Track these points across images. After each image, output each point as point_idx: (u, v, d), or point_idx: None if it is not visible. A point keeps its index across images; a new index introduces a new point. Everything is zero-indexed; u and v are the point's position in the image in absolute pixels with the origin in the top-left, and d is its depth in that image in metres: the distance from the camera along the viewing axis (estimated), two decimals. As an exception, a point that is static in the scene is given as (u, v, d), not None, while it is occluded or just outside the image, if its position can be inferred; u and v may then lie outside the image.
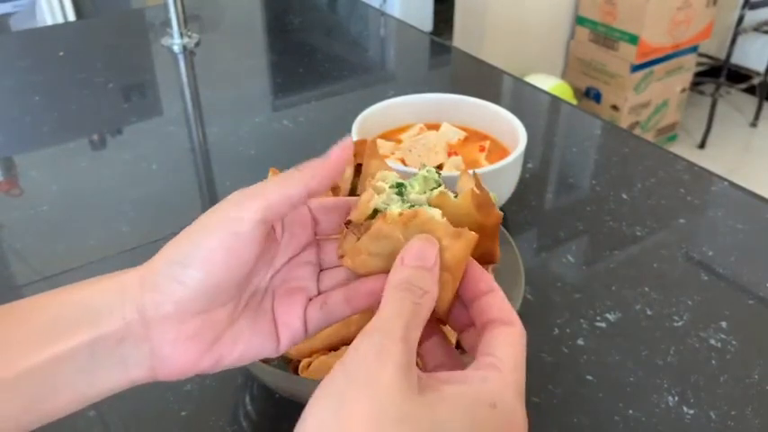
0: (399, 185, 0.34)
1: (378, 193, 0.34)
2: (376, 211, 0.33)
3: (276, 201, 0.31)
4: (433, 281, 0.31)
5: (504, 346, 0.31)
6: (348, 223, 0.34)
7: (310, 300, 0.35)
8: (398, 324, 0.28)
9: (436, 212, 0.32)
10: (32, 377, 0.29)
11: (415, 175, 0.35)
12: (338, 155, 0.33)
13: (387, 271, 0.31)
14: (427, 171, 0.34)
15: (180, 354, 0.31)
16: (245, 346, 0.33)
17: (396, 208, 0.32)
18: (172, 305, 0.30)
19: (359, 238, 0.33)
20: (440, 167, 0.71)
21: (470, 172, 0.35)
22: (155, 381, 0.32)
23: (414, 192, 0.34)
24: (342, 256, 0.34)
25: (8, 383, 0.29)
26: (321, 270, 0.36)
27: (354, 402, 0.25)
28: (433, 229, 0.31)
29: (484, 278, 0.33)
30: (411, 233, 0.32)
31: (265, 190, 0.31)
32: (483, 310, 0.32)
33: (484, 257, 0.35)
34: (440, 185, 0.34)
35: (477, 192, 0.33)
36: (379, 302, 0.31)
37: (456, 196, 0.33)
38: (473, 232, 0.32)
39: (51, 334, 0.30)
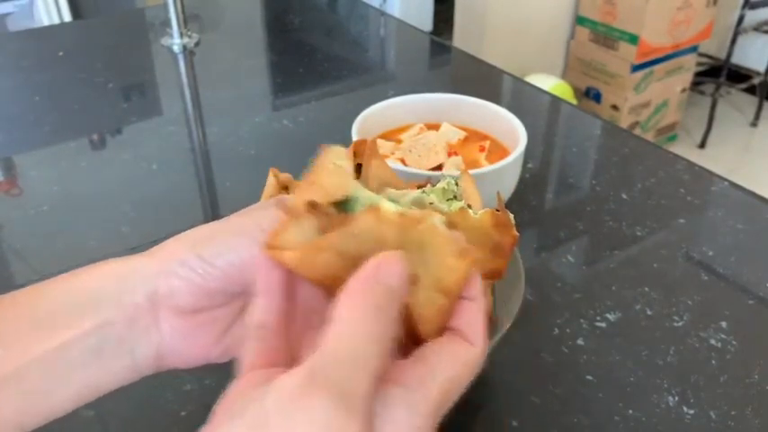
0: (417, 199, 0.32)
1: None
2: (345, 202, 0.29)
3: None
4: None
5: (448, 362, 0.27)
6: (313, 206, 0.28)
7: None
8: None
9: (438, 219, 0.27)
10: (35, 369, 0.28)
11: (434, 184, 0.33)
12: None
13: (344, 278, 0.25)
14: (447, 184, 0.33)
15: (190, 343, 0.31)
16: None
17: (390, 205, 0.28)
18: (189, 296, 0.30)
19: (322, 230, 0.28)
20: (439, 167, 0.71)
21: (497, 192, 0.35)
22: (161, 370, 0.31)
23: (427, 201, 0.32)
24: (275, 248, 0.28)
25: (7, 379, 0.28)
26: None
27: None
28: (437, 241, 0.27)
29: (472, 283, 0.28)
30: (405, 241, 0.26)
31: None
32: (451, 315, 0.28)
33: (491, 274, 0.33)
34: (456, 198, 0.33)
35: (499, 211, 0.32)
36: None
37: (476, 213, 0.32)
38: (479, 254, 0.29)
39: (55, 322, 0.29)
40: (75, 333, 0.29)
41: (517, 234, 0.34)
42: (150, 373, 0.31)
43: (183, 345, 0.31)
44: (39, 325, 0.29)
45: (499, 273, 0.34)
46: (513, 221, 0.34)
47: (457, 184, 0.34)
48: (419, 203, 0.32)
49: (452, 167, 0.70)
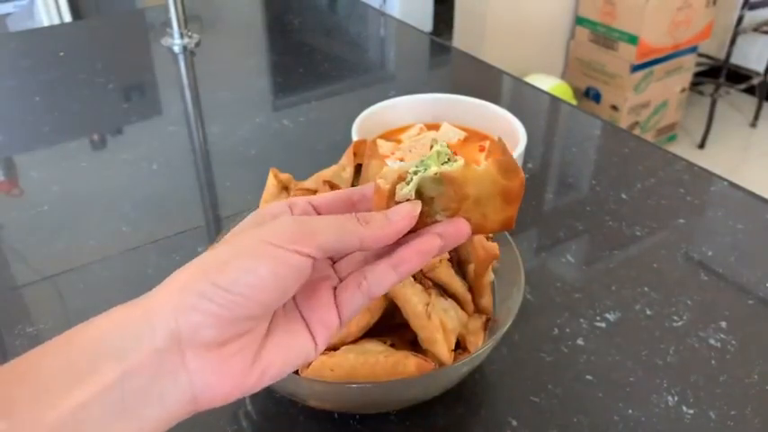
0: (416, 171, 0.33)
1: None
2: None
3: (330, 246, 0.31)
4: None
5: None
6: (401, 176, 0.33)
7: (335, 288, 0.34)
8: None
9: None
10: None
11: (426, 155, 0.34)
12: (403, 224, 0.32)
13: (429, 222, 0.33)
14: (440, 146, 0.34)
15: (223, 377, 0.29)
16: (285, 353, 0.31)
17: (433, 168, 0.33)
18: (213, 330, 0.28)
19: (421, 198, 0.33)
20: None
21: (496, 138, 0.35)
22: (198, 411, 0.30)
23: (431, 168, 0.33)
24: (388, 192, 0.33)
25: None
26: (333, 262, 0.35)
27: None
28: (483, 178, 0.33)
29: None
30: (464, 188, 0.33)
31: (322, 231, 0.31)
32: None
33: (505, 223, 0.35)
34: (450, 159, 0.34)
35: (501, 158, 0.33)
36: (425, 262, 0.32)
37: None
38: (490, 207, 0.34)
39: (69, 381, 0.26)
40: (92, 390, 0.26)
41: (524, 176, 0.34)
42: (185, 417, 0.29)
43: (216, 381, 0.29)
44: (46, 388, 0.26)
45: (511, 221, 0.35)
46: (518, 164, 0.34)
47: (448, 146, 0.35)
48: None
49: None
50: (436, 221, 0.34)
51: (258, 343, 0.31)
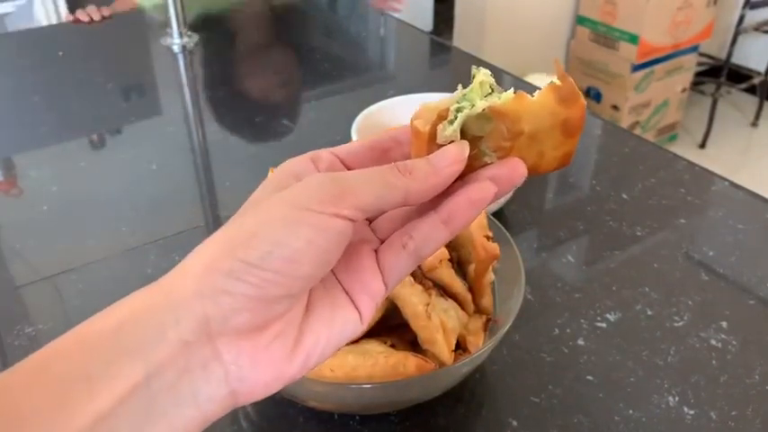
0: (459, 108, 0.29)
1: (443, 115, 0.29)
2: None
3: (372, 204, 0.27)
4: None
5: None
6: (441, 116, 0.29)
7: (376, 251, 0.29)
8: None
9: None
10: None
11: (467, 88, 0.29)
12: (450, 170, 0.28)
13: (479, 165, 0.28)
14: (484, 75, 0.29)
15: (263, 367, 0.26)
16: (329, 331, 0.28)
17: (481, 103, 0.29)
18: (247, 314, 0.25)
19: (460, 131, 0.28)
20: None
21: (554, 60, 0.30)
22: (236, 407, 0.26)
23: (477, 103, 0.29)
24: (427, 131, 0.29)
25: None
26: (370, 222, 0.31)
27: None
28: (539, 108, 0.29)
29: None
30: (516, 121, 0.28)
31: (360, 187, 0.27)
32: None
33: (563, 159, 0.31)
34: (493, 90, 0.29)
35: (559, 84, 0.28)
36: (478, 214, 0.28)
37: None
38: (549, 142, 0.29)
39: (87, 387, 0.23)
40: (114, 397, 0.23)
41: (585, 102, 0.30)
42: (223, 415, 0.26)
43: (255, 372, 0.25)
44: (60, 398, 0.22)
45: (569, 156, 0.31)
46: (577, 88, 0.29)
47: (492, 75, 0.30)
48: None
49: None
50: (485, 164, 0.29)
51: (298, 325, 0.27)
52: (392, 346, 0.50)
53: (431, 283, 0.50)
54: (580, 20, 2.42)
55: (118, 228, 0.73)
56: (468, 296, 0.52)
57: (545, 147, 0.29)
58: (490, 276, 0.54)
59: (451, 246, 0.56)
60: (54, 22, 1.81)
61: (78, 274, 0.67)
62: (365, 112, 0.75)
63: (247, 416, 0.52)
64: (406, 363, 0.46)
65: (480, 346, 0.51)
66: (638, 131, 2.41)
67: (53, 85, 1.06)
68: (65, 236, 0.73)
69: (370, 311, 0.29)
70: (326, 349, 0.28)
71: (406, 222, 0.29)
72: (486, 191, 0.28)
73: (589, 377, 0.55)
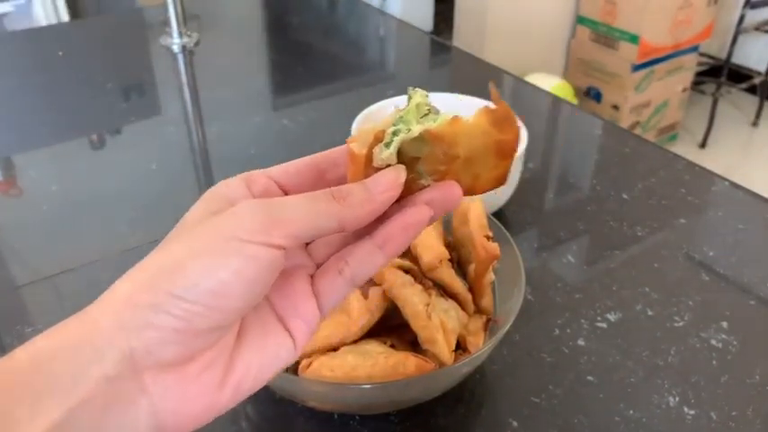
0: (396, 131, 0.28)
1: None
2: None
3: (304, 232, 0.26)
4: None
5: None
6: (377, 137, 0.28)
7: (312, 276, 0.29)
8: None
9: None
10: None
11: (402, 108, 0.29)
12: (386, 196, 0.28)
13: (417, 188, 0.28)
14: (420, 97, 0.29)
15: (191, 399, 0.25)
16: (260, 357, 0.27)
17: (418, 127, 0.28)
18: (173, 347, 0.24)
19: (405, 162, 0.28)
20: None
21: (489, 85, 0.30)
22: None
23: (413, 125, 0.28)
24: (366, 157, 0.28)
25: None
26: (307, 245, 0.30)
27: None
28: (472, 132, 0.28)
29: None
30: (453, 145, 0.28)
31: (292, 215, 0.26)
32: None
33: (498, 180, 0.31)
34: (430, 111, 0.29)
35: (494, 107, 0.28)
36: (414, 238, 0.28)
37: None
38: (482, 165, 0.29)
39: (6, 429, 0.22)
40: None
41: (520, 125, 0.30)
42: None
43: (184, 404, 0.25)
44: None
45: (504, 177, 0.31)
46: (512, 111, 0.29)
47: (427, 96, 0.29)
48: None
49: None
50: (422, 187, 0.29)
51: (228, 353, 0.26)
52: (392, 346, 0.50)
53: (431, 283, 0.50)
54: (580, 20, 2.42)
55: (117, 228, 0.73)
56: (469, 296, 0.52)
57: (480, 169, 0.30)
58: (490, 276, 0.54)
59: (451, 246, 0.56)
60: (54, 21, 1.81)
61: (78, 274, 0.67)
62: (365, 112, 0.75)
63: (247, 416, 0.52)
64: (406, 363, 0.46)
65: (480, 346, 0.51)
66: (638, 131, 2.41)
67: (53, 85, 1.06)
68: (65, 236, 0.73)
69: (304, 337, 0.28)
70: (259, 376, 0.27)
71: (342, 246, 0.29)
72: (421, 215, 0.28)
73: (589, 377, 0.55)
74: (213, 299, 0.24)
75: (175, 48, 1.17)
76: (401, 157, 0.28)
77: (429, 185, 0.29)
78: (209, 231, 0.25)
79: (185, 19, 1.18)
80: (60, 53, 1.17)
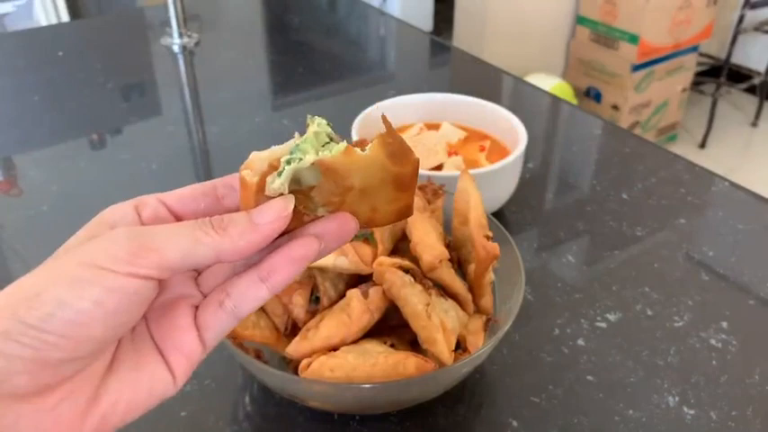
0: (289, 160, 0.27)
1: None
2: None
3: (176, 263, 0.25)
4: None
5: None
6: (272, 166, 0.27)
7: (197, 308, 0.28)
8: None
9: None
10: None
11: (301, 138, 0.28)
12: (271, 227, 0.26)
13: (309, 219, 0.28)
14: (318, 125, 0.28)
15: (48, 429, 0.24)
16: (132, 391, 0.26)
17: (309, 157, 0.27)
18: (25, 376, 0.23)
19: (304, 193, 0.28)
20: (439, 168, 0.71)
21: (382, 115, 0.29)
22: None
23: (309, 154, 0.27)
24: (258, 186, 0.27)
25: None
26: (198, 275, 0.29)
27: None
28: (371, 165, 0.27)
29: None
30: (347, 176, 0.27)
31: (164, 244, 0.25)
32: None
33: (402, 212, 0.30)
34: (332, 139, 0.28)
35: (389, 139, 0.27)
36: (300, 270, 0.27)
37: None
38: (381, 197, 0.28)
39: None
40: None
41: (417, 158, 0.29)
42: None
43: None
44: None
45: (409, 209, 0.30)
46: (408, 145, 0.28)
47: (328, 125, 0.28)
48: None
49: (452, 167, 0.70)
50: (317, 217, 0.29)
51: (94, 383, 0.25)
52: (392, 346, 0.50)
53: (431, 283, 0.50)
54: (580, 20, 2.42)
55: (118, 228, 0.73)
56: (469, 296, 0.52)
57: (378, 201, 0.29)
58: (490, 276, 0.54)
59: (451, 246, 0.56)
60: (54, 21, 1.81)
61: (78, 274, 0.67)
62: (365, 112, 0.75)
63: (247, 416, 0.52)
64: (406, 363, 0.46)
65: (480, 346, 0.51)
66: (638, 131, 2.41)
67: (53, 85, 1.06)
68: (65, 236, 0.73)
69: (184, 371, 0.27)
70: (130, 411, 0.26)
71: (231, 277, 0.28)
72: (309, 248, 0.28)
73: (589, 377, 0.55)
74: (70, 329, 0.23)
75: (176, 48, 1.17)
76: (296, 186, 0.28)
77: (323, 216, 0.29)
78: (74, 259, 0.24)
79: (186, 19, 1.18)
80: (60, 53, 1.17)
